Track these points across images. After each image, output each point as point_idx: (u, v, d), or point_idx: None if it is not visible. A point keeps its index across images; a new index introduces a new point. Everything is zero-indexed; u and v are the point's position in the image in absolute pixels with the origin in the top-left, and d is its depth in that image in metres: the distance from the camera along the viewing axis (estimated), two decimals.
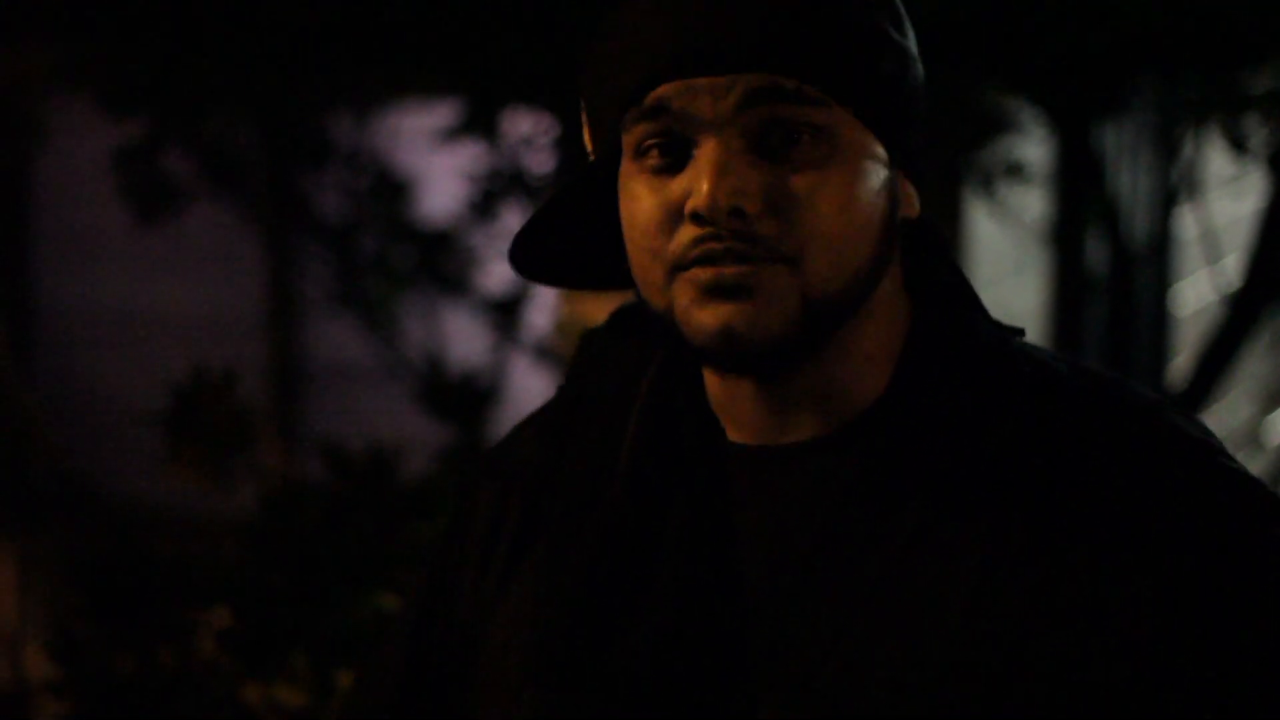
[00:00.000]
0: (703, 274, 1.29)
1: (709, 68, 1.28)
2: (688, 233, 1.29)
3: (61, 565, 2.74)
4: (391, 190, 5.22)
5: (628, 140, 1.33)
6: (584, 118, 1.39)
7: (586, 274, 1.48)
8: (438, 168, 5.33)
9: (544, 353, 5.30)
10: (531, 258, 1.44)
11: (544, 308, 5.74)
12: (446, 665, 1.49)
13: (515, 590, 1.43)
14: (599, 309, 5.54)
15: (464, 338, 5.41)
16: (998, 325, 1.39)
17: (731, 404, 1.38)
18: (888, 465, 1.31)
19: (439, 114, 4.88)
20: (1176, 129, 4.46)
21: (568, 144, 4.66)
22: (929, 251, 1.40)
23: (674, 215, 1.30)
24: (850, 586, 1.29)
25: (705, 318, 1.29)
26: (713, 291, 1.28)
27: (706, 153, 1.28)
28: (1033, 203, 5.16)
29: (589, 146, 1.40)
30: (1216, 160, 4.42)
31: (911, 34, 1.37)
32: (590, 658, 1.34)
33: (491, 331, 5.24)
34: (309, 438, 6.83)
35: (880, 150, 1.32)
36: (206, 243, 7.30)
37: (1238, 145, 3.86)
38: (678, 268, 1.30)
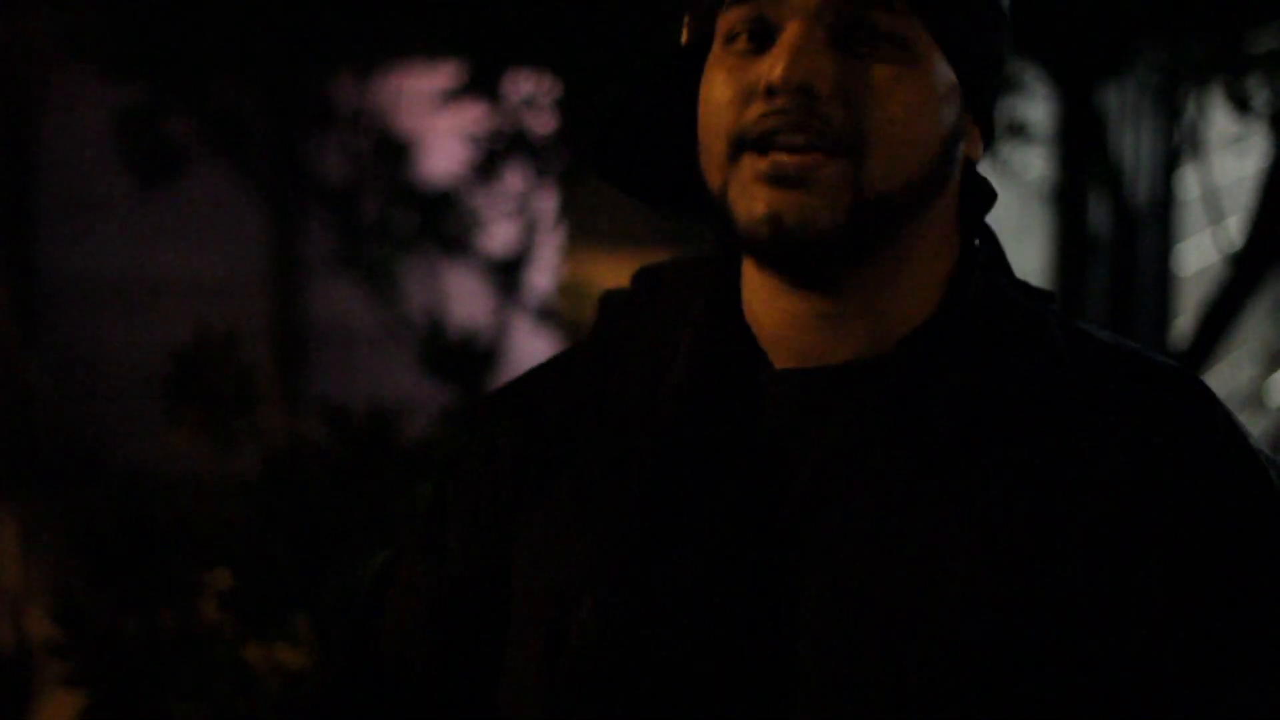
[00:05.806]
0: (763, 162, 1.33)
1: None
2: (757, 107, 1.34)
3: (64, 528, 2.74)
4: (393, 152, 5.22)
5: (721, 25, 1.38)
6: (686, 14, 1.44)
7: (663, 182, 1.51)
8: (439, 129, 5.32)
9: (546, 314, 5.30)
10: (614, 156, 1.49)
11: (545, 269, 5.74)
12: (473, 603, 1.51)
13: (540, 518, 1.46)
14: (600, 272, 5.55)
15: (466, 299, 5.41)
16: (1028, 289, 1.45)
17: (777, 321, 1.41)
18: (925, 387, 1.36)
19: (441, 75, 4.87)
20: (1179, 89, 4.45)
21: (569, 105, 4.65)
22: (979, 203, 1.45)
23: (748, 93, 1.35)
24: (882, 497, 1.34)
25: (756, 203, 1.34)
26: (770, 179, 1.33)
27: (788, 35, 1.33)
28: (1035, 163, 5.15)
29: (684, 39, 1.45)
30: (1219, 120, 4.41)
31: None
32: (651, 566, 1.37)
33: (493, 293, 5.24)
34: (311, 400, 6.83)
35: (954, 79, 1.38)
36: (208, 206, 7.29)
37: (1241, 105, 3.86)
38: (741, 142, 1.35)
